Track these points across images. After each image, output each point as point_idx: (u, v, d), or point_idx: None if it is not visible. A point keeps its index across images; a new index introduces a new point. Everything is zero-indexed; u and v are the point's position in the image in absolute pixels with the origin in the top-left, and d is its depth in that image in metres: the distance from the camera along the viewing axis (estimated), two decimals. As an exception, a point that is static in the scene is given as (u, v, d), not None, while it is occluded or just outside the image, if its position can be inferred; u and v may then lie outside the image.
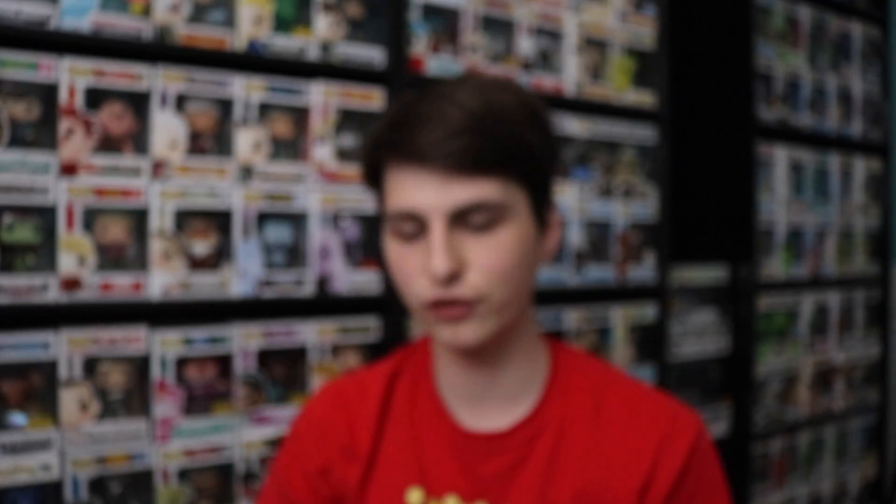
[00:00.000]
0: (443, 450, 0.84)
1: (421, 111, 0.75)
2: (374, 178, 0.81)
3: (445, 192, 0.73)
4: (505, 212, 0.75)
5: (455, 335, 0.77)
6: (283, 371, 1.26)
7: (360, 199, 1.31)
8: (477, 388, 0.84)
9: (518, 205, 0.77)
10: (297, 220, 1.27)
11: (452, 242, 0.74)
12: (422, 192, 0.74)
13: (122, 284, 1.12)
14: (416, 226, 0.76)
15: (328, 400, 0.93)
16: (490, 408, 0.84)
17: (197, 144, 1.18)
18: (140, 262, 1.14)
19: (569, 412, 0.83)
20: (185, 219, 1.17)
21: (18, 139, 1.05)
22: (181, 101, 1.17)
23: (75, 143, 1.08)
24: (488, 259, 0.75)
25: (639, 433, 0.81)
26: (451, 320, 0.76)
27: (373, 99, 1.33)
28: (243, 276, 1.21)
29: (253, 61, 1.23)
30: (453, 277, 0.74)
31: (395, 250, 0.78)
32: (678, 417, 0.82)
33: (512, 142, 0.75)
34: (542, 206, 0.81)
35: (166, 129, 1.15)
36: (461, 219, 0.75)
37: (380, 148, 0.78)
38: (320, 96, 1.28)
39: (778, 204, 2.00)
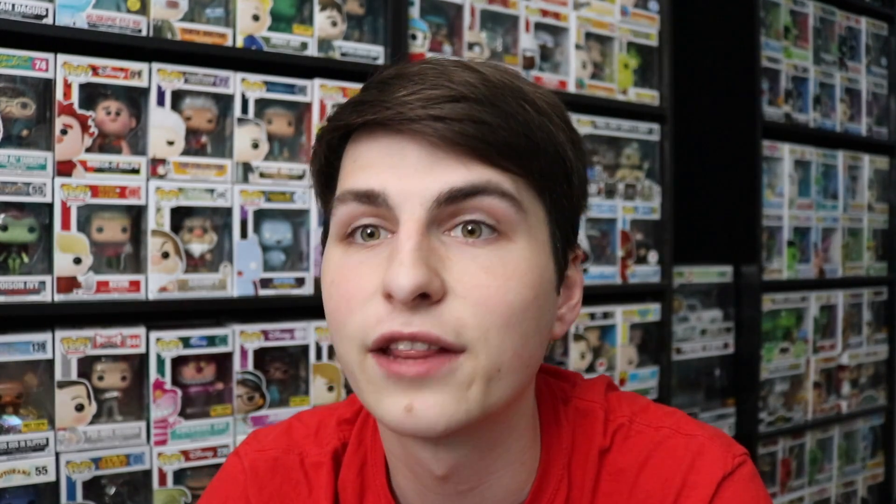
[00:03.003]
0: None
1: (409, 71, 0.52)
2: (327, 176, 0.56)
3: (429, 171, 0.49)
4: (519, 219, 0.50)
5: (409, 413, 0.48)
6: (281, 371, 1.24)
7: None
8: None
9: (536, 222, 0.52)
10: (296, 219, 1.25)
11: (431, 249, 0.49)
12: (392, 170, 0.50)
13: (118, 284, 1.10)
14: (375, 220, 0.51)
15: (246, 491, 0.64)
16: None
17: (194, 142, 1.17)
18: (137, 261, 1.13)
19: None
20: (183, 217, 1.16)
21: (13, 137, 1.04)
22: (178, 99, 1.15)
23: (71, 141, 1.07)
24: (485, 282, 0.49)
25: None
26: (409, 378, 0.48)
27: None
28: (241, 275, 1.20)
29: (251, 58, 1.21)
30: (423, 298, 0.47)
31: (337, 262, 0.52)
32: (693, 467, 0.58)
33: (538, 128, 0.52)
34: (565, 246, 0.56)
35: (163, 127, 1.14)
36: (449, 218, 0.50)
37: (338, 122, 0.53)
38: (319, 94, 1.26)
39: (783, 203, 1.98)
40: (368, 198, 0.50)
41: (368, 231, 0.51)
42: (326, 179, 0.56)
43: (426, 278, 0.47)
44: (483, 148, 0.49)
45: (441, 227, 0.50)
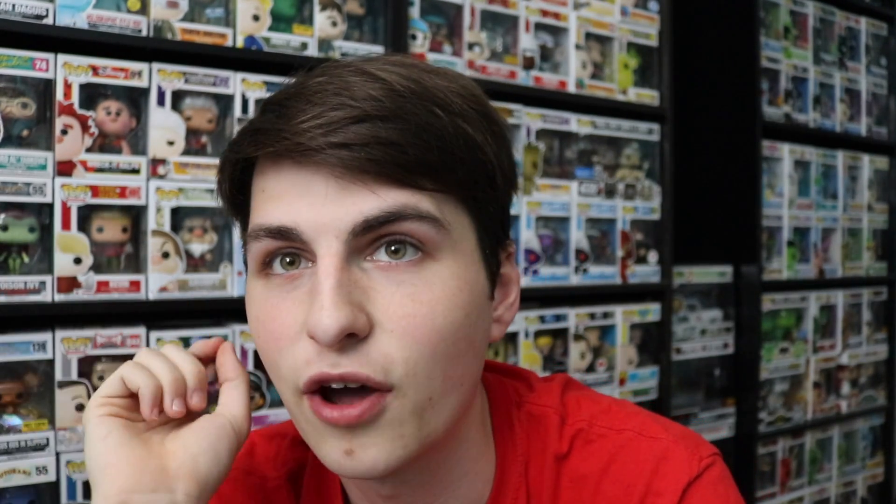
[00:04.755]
0: None
1: (308, 85, 0.49)
2: (236, 204, 0.54)
3: (341, 201, 0.46)
4: (441, 238, 0.48)
5: (349, 456, 0.48)
6: (281, 371, 1.24)
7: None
8: None
9: (461, 235, 0.50)
10: (296, 219, 1.25)
11: (353, 283, 0.47)
12: (302, 200, 0.47)
13: (118, 284, 1.10)
14: (293, 249, 0.49)
15: None
16: None
17: (195, 142, 1.17)
18: (137, 261, 1.13)
19: None
20: (183, 217, 1.16)
21: (13, 137, 1.04)
22: (178, 99, 1.15)
23: (71, 141, 1.07)
24: (411, 311, 0.47)
25: None
26: (344, 425, 0.47)
27: (373, 96, 1.32)
28: (241, 275, 1.20)
29: (251, 58, 1.21)
30: (350, 338, 0.46)
31: (259, 297, 0.50)
32: (657, 472, 0.56)
33: (453, 137, 0.48)
34: (494, 246, 0.54)
35: (163, 127, 1.14)
36: (369, 246, 0.48)
37: (238, 155, 0.51)
38: (319, 94, 1.26)
39: (783, 203, 1.98)
40: (281, 234, 0.48)
41: (288, 260, 0.49)
42: (237, 207, 0.54)
43: (349, 320, 0.45)
44: (394, 171, 0.46)
45: (362, 253, 0.48)
